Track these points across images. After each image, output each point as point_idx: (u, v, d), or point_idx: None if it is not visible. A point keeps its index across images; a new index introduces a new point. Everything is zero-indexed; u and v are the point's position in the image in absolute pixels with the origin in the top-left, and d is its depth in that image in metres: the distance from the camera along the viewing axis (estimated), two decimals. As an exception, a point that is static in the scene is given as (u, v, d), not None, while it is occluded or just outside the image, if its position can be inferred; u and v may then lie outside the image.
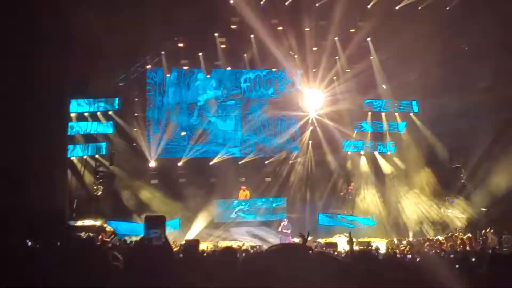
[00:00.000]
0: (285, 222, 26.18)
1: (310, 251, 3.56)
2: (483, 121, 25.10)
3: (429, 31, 24.13)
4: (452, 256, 14.64)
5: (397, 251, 19.80)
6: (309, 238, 23.59)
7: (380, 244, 23.18)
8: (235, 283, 3.34)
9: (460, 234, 22.89)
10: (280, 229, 26.02)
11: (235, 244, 22.94)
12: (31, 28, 18.50)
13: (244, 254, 16.81)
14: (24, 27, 18.23)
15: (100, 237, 20.48)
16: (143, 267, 3.76)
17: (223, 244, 23.60)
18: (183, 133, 28.20)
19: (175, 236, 22.82)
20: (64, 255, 9.18)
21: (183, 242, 16.46)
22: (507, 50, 23.47)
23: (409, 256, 17.62)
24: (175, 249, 17.22)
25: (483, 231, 22.81)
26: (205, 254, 16.93)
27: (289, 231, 25.61)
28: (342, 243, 22.67)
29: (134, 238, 20.47)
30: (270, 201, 28.91)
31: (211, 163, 28.62)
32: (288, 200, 29.09)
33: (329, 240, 24.82)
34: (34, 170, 18.82)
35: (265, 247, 23.80)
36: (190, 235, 25.26)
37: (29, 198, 18.34)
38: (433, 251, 19.77)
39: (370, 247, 21.74)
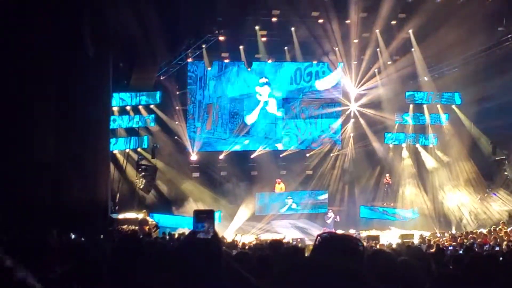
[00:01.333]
0: (330, 214, 26.16)
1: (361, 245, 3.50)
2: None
3: (470, 23, 23.78)
4: (497, 249, 14.46)
5: (439, 243, 19.60)
6: (351, 231, 23.64)
7: (423, 237, 22.95)
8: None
9: (504, 227, 22.54)
10: (329, 221, 26.00)
11: (276, 237, 22.95)
12: (72, 25, 18.74)
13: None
14: (65, 25, 18.47)
15: (143, 229, 20.71)
16: (193, 260, 3.76)
17: (264, 237, 23.63)
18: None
19: (217, 228, 22.88)
20: (107, 248, 9.30)
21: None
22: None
23: (451, 248, 17.44)
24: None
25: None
26: (246, 248, 16.98)
27: (333, 222, 25.69)
28: (385, 237, 22.56)
29: (178, 231, 20.61)
30: (312, 194, 28.86)
31: (252, 156, 28.68)
32: (330, 192, 29.03)
33: (371, 233, 24.66)
34: (77, 164, 19.09)
35: (307, 239, 23.83)
36: (232, 228, 25.39)
37: (72, 191, 18.63)
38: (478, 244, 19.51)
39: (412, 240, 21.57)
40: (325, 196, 28.84)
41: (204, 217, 4.03)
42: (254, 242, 20.24)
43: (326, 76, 29.31)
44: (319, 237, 3.53)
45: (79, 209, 17.75)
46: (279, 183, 28.40)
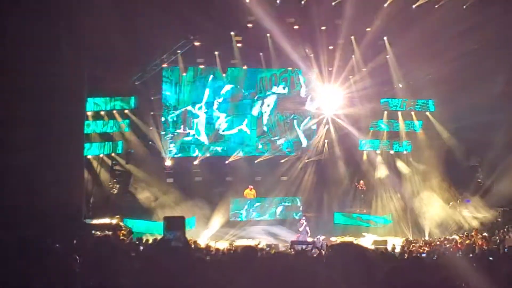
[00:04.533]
0: (303, 221, 26.18)
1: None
2: (500, 119, 25.04)
3: (446, 29, 24.06)
4: (471, 256, 14.61)
5: (413, 250, 19.77)
6: (323, 237, 23.75)
7: (396, 243, 23.14)
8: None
9: (477, 233, 22.77)
10: (301, 228, 25.99)
11: (251, 243, 22.98)
12: (47, 30, 18.62)
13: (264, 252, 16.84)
14: (39, 30, 18.34)
15: (116, 235, 20.58)
16: (163, 267, 3.78)
17: (239, 242, 23.64)
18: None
19: (191, 234, 22.86)
20: (81, 253, 9.25)
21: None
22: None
23: (424, 255, 17.59)
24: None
25: (500, 231, 22.70)
26: (220, 253, 16.98)
27: (305, 229, 25.69)
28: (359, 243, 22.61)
29: (150, 237, 20.52)
30: (285, 200, 28.94)
31: (226, 162, 28.67)
32: (304, 199, 29.12)
33: (345, 239, 24.78)
34: (51, 168, 18.93)
35: (281, 245, 23.86)
36: (206, 233, 25.35)
37: (46, 196, 18.46)
38: (450, 250, 19.71)
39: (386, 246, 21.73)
40: (299, 202, 28.95)
41: (175, 224, 4.05)
42: (227, 248, 20.28)
43: (301, 82, 29.43)
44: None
45: (53, 214, 17.60)
46: (251, 189, 28.45)
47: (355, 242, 23.13)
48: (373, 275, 3.31)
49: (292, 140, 29.76)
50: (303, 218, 26.76)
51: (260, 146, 29.38)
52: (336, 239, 24.72)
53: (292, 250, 21.00)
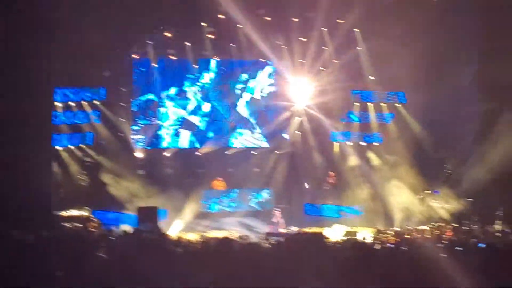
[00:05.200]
0: (276, 212, 26.24)
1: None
2: (469, 112, 25.33)
3: (417, 23, 24.19)
4: (440, 245, 14.71)
5: (383, 240, 19.88)
6: (296, 228, 23.81)
7: (366, 234, 23.25)
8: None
9: (445, 224, 23.00)
10: (276, 219, 26.03)
11: (222, 234, 22.92)
12: (12, 19, 18.36)
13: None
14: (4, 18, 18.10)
15: (87, 227, 20.47)
16: (138, 258, 3.72)
17: (210, 234, 23.58)
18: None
19: (163, 226, 22.76)
20: (51, 245, 9.13)
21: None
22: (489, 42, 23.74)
23: (392, 245, 17.69)
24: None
25: (468, 222, 22.98)
26: (191, 245, 16.89)
27: (279, 221, 25.77)
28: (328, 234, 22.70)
29: (121, 229, 20.39)
30: (257, 191, 28.95)
31: (198, 153, 28.56)
32: (275, 190, 29.12)
33: (316, 230, 24.83)
34: (18, 160, 18.71)
35: (253, 237, 23.87)
36: (178, 225, 25.25)
37: (14, 188, 18.25)
38: (420, 240, 19.87)
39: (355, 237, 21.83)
40: (271, 194, 28.96)
41: (148, 215, 3.97)
42: (199, 239, 20.19)
43: (273, 74, 29.42)
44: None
45: (21, 206, 17.42)
46: (219, 181, 28.40)
47: (324, 233, 23.28)
48: (338, 263, 3.30)
49: (264, 131, 29.71)
50: (277, 210, 26.81)
51: (232, 137, 29.30)
52: (308, 231, 24.77)
53: (267, 241, 20.98)
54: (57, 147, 24.59)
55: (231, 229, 25.77)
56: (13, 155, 18.58)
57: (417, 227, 24.10)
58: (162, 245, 3.40)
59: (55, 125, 23.98)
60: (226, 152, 29.10)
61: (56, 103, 24.14)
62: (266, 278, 3.34)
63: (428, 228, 23.07)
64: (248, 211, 28.72)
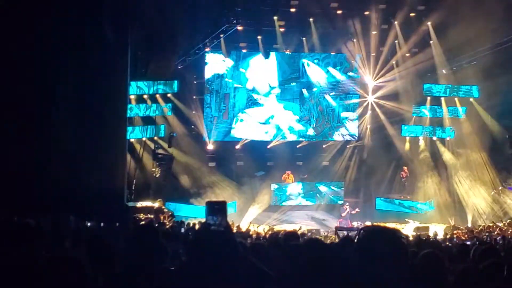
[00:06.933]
0: (346, 207, 26.14)
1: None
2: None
3: (490, 16, 23.56)
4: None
5: (457, 236, 19.58)
6: (368, 223, 23.59)
7: (439, 230, 22.90)
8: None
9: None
10: (344, 213, 25.96)
11: (290, 228, 22.95)
12: (91, 11, 18.80)
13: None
14: (83, 11, 18.52)
15: (159, 218, 20.78)
16: (206, 252, 3.76)
17: (278, 227, 23.65)
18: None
19: (232, 219, 22.96)
20: (123, 235, 9.34)
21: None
22: None
23: (468, 242, 17.36)
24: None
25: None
26: (261, 238, 16.98)
27: (348, 215, 25.69)
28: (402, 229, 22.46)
29: (192, 221, 20.67)
30: (328, 185, 28.82)
31: (268, 147, 28.62)
32: (346, 184, 29.00)
33: (388, 224, 24.61)
34: (94, 152, 19.16)
35: (322, 230, 23.82)
36: (248, 218, 25.42)
37: (89, 180, 18.70)
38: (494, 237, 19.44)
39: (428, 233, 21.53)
40: (341, 188, 28.81)
41: (216, 209, 4.00)
42: (268, 232, 20.27)
43: (344, 67, 29.19)
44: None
45: (95, 197, 17.82)
46: (288, 175, 28.42)
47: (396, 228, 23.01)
48: (408, 260, 3.26)
49: (335, 125, 29.54)
50: (347, 203, 26.68)
51: (302, 131, 29.22)
52: (381, 225, 24.55)
53: (336, 235, 20.90)
54: (131, 139, 25.01)
55: (300, 223, 25.79)
56: (89, 147, 19.04)
57: (491, 224, 23.57)
58: (230, 238, 3.41)
59: (129, 118, 24.41)
60: (296, 146, 29.05)
61: (130, 96, 24.56)
62: (334, 274, 3.32)
63: (502, 225, 22.54)
64: (318, 204, 28.64)
